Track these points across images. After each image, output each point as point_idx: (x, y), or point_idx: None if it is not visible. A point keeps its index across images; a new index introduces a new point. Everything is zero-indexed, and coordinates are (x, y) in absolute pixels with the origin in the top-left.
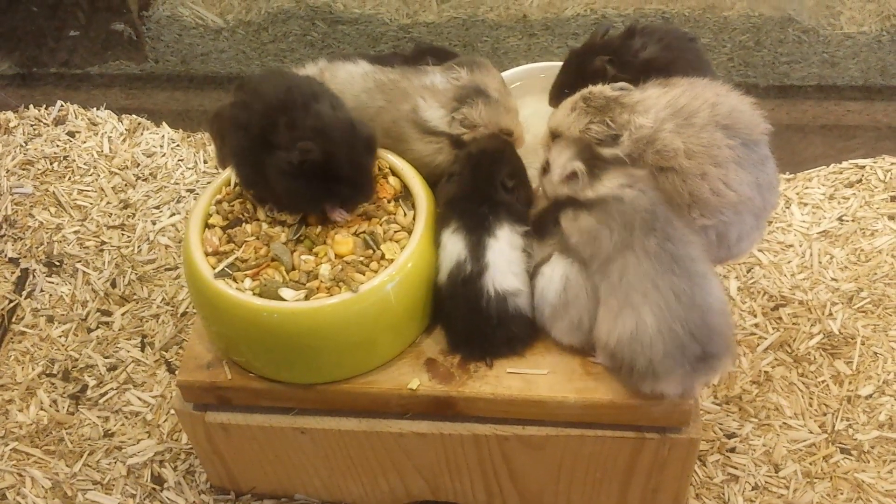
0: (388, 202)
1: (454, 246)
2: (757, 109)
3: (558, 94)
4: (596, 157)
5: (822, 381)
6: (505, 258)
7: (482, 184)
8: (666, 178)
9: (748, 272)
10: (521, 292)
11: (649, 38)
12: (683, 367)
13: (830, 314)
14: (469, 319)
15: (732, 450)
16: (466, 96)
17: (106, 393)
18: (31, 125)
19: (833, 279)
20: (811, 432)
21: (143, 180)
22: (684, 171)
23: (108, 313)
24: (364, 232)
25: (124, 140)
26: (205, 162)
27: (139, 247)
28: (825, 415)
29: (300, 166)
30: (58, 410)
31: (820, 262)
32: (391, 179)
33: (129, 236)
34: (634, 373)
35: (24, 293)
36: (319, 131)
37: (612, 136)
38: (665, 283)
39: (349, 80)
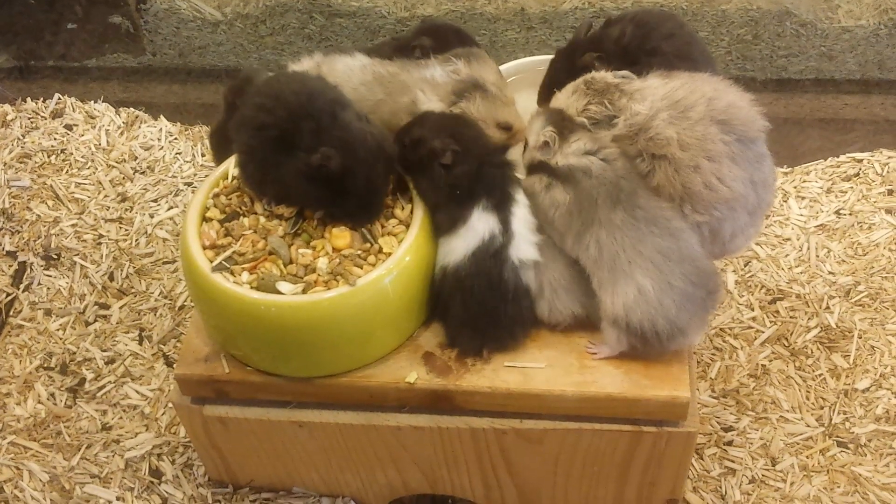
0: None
1: (485, 223)
2: (756, 106)
3: (547, 93)
4: (566, 119)
5: (820, 375)
6: (524, 223)
7: (481, 147)
8: (659, 167)
9: (745, 266)
10: (533, 264)
11: (624, 22)
12: (698, 314)
13: (828, 308)
14: (485, 296)
15: (730, 443)
16: (464, 90)
17: (104, 386)
18: (29, 118)
19: (830, 273)
20: (808, 426)
21: (141, 173)
22: (677, 161)
23: (106, 306)
24: None
25: (122, 133)
26: (202, 155)
27: (137, 240)
28: (822, 408)
29: (317, 170)
30: (55, 404)
31: (817, 256)
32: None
33: (126, 229)
34: (661, 336)
35: (22, 286)
36: (345, 142)
37: (608, 116)
38: (648, 246)
39: (347, 72)
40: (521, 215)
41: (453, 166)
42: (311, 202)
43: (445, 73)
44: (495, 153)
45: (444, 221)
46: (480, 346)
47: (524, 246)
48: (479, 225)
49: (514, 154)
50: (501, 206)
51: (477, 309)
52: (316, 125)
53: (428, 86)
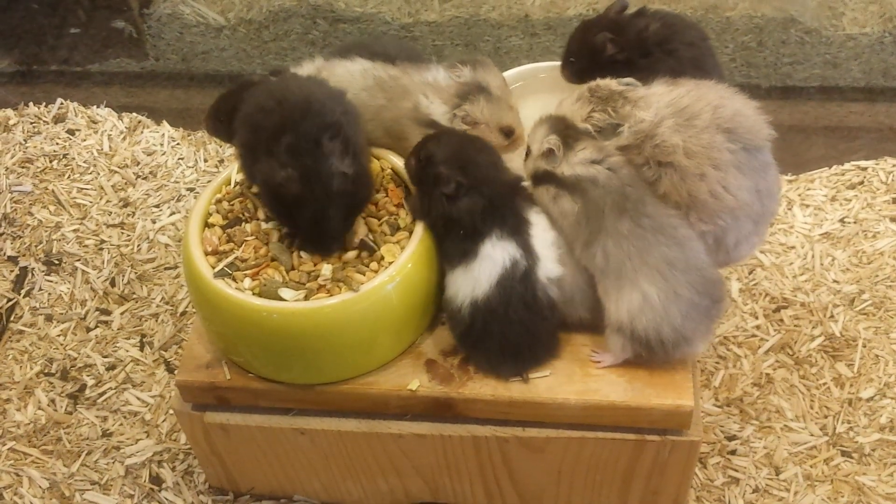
0: (395, 206)
1: (503, 251)
2: (761, 115)
3: (565, 63)
4: (569, 128)
5: (824, 384)
6: (545, 242)
7: (491, 175)
8: (665, 175)
9: (750, 273)
10: (558, 279)
11: (652, 18)
12: (703, 322)
13: (832, 316)
14: (524, 320)
15: (733, 452)
16: (468, 93)
17: (104, 392)
18: (31, 123)
19: (835, 281)
20: (812, 435)
21: (143, 179)
22: (683, 169)
23: (107, 312)
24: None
25: (124, 138)
26: (205, 160)
27: (139, 245)
28: (826, 417)
29: (276, 188)
30: (56, 410)
31: (822, 264)
32: (397, 182)
33: (128, 235)
34: (666, 344)
35: (23, 292)
36: (309, 172)
37: (613, 125)
38: (655, 255)
39: (348, 78)
40: (541, 235)
41: (456, 198)
42: (272, 213)
43: (448, 75)
44: (506, 184)
45: (453, 252)
46: (523, 369)
47: (550, 265)
48: (497, 254)
49: (517, 162)
50: (518, 231)
51: (518, 335)
52: (294, 143)
53: (430, 89)
